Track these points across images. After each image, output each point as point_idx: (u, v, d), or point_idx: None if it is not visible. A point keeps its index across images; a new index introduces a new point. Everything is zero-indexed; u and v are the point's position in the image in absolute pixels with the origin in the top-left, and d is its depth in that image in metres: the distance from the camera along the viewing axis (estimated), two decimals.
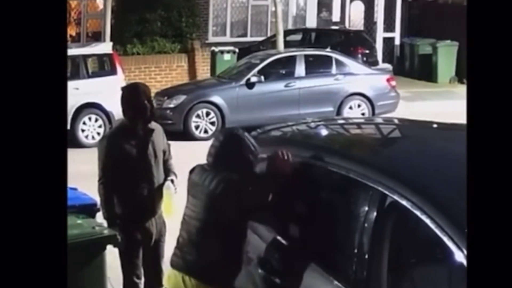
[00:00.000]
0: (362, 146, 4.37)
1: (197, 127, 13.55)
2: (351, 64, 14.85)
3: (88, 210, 5.30)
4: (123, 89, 5.29)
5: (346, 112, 14.01)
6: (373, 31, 21.79)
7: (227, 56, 17.73)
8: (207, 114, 13.61)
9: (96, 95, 12.88)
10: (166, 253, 5.21)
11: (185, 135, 13.26)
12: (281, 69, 14.67)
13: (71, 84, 10.83)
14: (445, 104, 15.52)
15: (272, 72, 14.32)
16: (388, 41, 21.90)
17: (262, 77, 13.98)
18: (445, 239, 2.91)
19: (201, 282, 4.00)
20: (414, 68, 20.44)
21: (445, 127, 4.66)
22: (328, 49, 16.49)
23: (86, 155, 9.15)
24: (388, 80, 14.92)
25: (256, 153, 4.11)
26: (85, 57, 13.52)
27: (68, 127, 11.96)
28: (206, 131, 13.54)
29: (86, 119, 12.95)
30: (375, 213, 3.39)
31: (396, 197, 3.26)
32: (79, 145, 12.48)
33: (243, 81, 13.93)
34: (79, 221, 4.89)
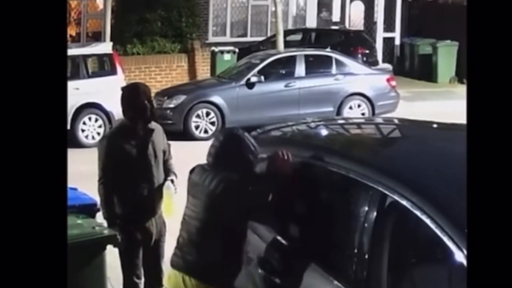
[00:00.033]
0: (362, 146, 4.37)
1: (197, 127, 13.55)
2: (351, 64, 14.85)
3: (88, 210, 5.30)
4: (123, 89, 5.29)
5: (346, 112, 14.01)
6: (373, 31, 21.80)
7: (227, 56, 17.73)
8: (207, 114, 13.61)
9: (96, 95, 12.88)
10: (166, 253, 5.21)
11: (185, 135, 13.26)
12: (281, 69, 14.67)
13: (71, 84, 10.83)
14: (445, 104, 15.52)
15: (272, 72, 14.32)
16: (388, 41, 21.90)
17: (262, 77, 13.98)
18: (445, 239, 2.91)
19: (201, 282, 4.00)
20: (414, 68, 20.44)
21: (445, 127, 4.66)
22: (328, 49, 16.49)
23: (86, 155, 9.16)
24: (388, 80, 14.92)
25: (256, 153, 4.11)
26: (85, 57, 13.52)
27: (68, 127, 11.96)
28: (206, 131, 13.54)
29: (86, 119, 12.95)
30: (375, 213, 3.39)
31: (396, 197, 3.26)
32: (79, 145, 12.49)
33: (243, 81, 13.93)
34: (79, 221, 4.89)
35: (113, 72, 13.42)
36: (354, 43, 18.77)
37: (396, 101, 14.75)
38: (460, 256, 2.82)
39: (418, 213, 3.09)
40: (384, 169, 3.56)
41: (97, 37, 18.27)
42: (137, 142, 5.05)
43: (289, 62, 14.57)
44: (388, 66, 19.78)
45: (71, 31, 18.27)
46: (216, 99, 13.70)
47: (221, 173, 4.00)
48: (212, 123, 13.58)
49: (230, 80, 14.34)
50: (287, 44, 17.31)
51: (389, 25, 21.96)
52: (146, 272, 5.21)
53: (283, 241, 4.14)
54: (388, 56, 21.61)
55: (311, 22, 20.97)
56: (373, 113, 14.12)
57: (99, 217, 5.21)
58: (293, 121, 5.66)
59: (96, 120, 13.01)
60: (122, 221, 5.01)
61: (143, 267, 5.18)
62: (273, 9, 18.38)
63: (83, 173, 6.55)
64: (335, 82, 14.29)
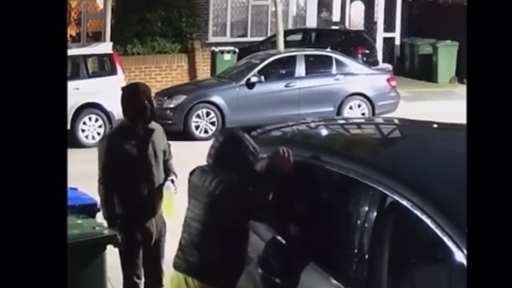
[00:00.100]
0: (362, 146, 4.37)
1: (197, 127, 13.55)
2: (351, 64, 14.85)
3: (88, 210, 5.30)
4: (123, 89, 5.28)
5: (346, 112, 14.00)
6: (373, 31, 21.79)
7: (227, 56, 17.73)
8: (207, 114, 13.61)
9: (96, 95, 12.88)
10: (166, 253, 5.21)
11: (185, 135, 13.26)
12: (281, 69, 14.67)
13: (71, 84, 10.84)
14: (445, 104, 15.52)
15: (272, 72, 14.32)
16: (388, 41, 21.89)
17: (262, 77, 13.98)
18: (445, 239, 2.91)
19: (204, 283, 4.01)
20: (414, 68, 20.43)
21: (445, 127, 4.66)
22: (328, 49, 16.48)
23: (86, 155, 9.15)
24: (388, 80, 14.92)
25: (256, 154, 4.11)
26: (85, 57, 13.52)
27: (68, 127, 11.96)
28: (206, 131, 13.54)
29: (86, 119, 12.95)
30: (375, 213, 3.39)
31: (396, 197, 3.26)
32: (79, 145, 12.48)
33: (243, 81, 13.93)
34: (79, 221, 4.89)
35: (113, 72, 13.41)
36: (354, 43, 18.76)
37: (396, 101, 14.75)
38: (460, 256, 2.82)
39: (418, 213, 3.09)
40: (384, 169, 3.56)
41: (97, 37, 18.27)
42: (137, 142, 5.05)
43: (289, 62, 14.56)
44: (388, 66, 19.76)
45: (71, 31, 18.27)
46: (216, 99, 13.70)
47: (221, 174, 4.00)
48: (212, 123, 13.58)
49: (230, 80, 14.34)
50: (287, 44, 17.30)
51: (389, 25, 21.96)
52: (146, 272, 5.20)
53: (283, 241, 4.14)
54: (388, 56, 21.60)
55: (311, 22, 20.97)
56: (373, 113, 14.12)
57: (99, 217, 5.21)
58: (293, 121, 5.66)
59: (96, 120, 13.01)
60: (122, 221, 5.01)
61: (143, 267, 5.18)
62: (273, 9, 18.38)
63: (83, 173, 6.55)
64: (335, 82, 14.29)
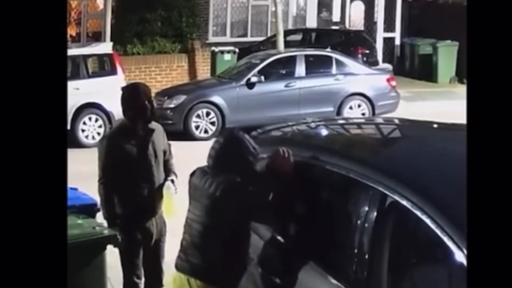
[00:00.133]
0: (362, 146, 4.37)
1: (197, 127, 13.55)
2: (351, 64, 14.85)
3: (89, 210, 5.30)
4: (123, 89, 5.28)
5: (346, 112, 14.00)
6: (373, 31, 21.79)
7: (227, 56, 17.73)
8: (207, 114, 13.61)
9: (96, 95, 12.88)
10: (166, 253, 5.21)
11: (185, 135, 13.26)
12: (281, 69, 14.67)
13: (71, 84, 10.84)
14: (445, 104, 15.52)
15: (272, 72, 14.32)
16: (388, 41, 21.89)
17: (262, 77, 13.98)
18: (445, 239, 2.91)
19: (206, 283, 4.01)
20: (414, 68, 20.43)
21: (445, 127, 4.66)
22: (328, 49, 16.48)
23: (86, 155, 9.15)
24: (388, 80, 14.92)
25: (256, 155, 4.11)
26: (85, 57, 13.52)
27: (68, 127, 11.96)
28: (206, 131, 13.54)
29: (86, 119, 12.95)
30: (375, 213, 3.39)
31: (396, 197, 3.26)
32: (79, 145, 12.48)
33: (243, 81, 13.93)
34: (79, 221, 4.89)
35: (113, 72, 13.41)
36: (354, 43, 18.76)
37: (396, 101, 14.75)
38: (460, 256, 2.82)
39: (418, 213, 3.09)
40: (384, 169, 3.56)
41: (97, 37, 18.27)
42: (137, 142, 5.05)
43: (289, 62, 14.56)
44: (388, 66, 19.76)
45: (71, 31, 18.26)
46: (216, 99, 13.70)
47: (221, 175, 4.00)
48: (212, 123, 13.58)
49: (230, 80, 14.34)
50: (287, 44, 17.30)
51: (389, 25, 21.96)
52: (146, 272, 5.20)
53: (283, 241, 4.14)
54: (388, 56, 21.60)
55: (311, 22, 20.97)
56: (373, 113, 14.11)
57: (99, 217, 5.21)
58: (293, 121, 5.66)
59: (96, 120, 13.01)
60: (122, 221, 5.01)
61: (143, 267, 5.18)
62: (273, 9, 18.38)
63: (83, 173, 6.55)
64: (335, 82, 14.29)
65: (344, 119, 8.82)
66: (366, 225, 3.44)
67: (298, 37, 19.68)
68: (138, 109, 5.02)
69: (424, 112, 11.85)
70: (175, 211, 4.99)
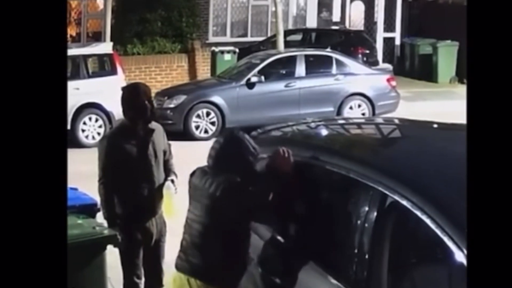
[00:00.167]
0: (362, 146, 4.37)
1: (197, 127, 13.55)
2: (351, 64, 14.85)
3: (89, 210, 5.30)
4: (123, 89, 5.28)
5: (347, 112, 14.00)
6: (373, 31, 21.79)
7: (227, 56, 17.73)
8: (208, 114, 13.61)
9: (96, 95, 12.88)
10: (166, 253, 5.21)
11: (186, 135, 13.26)
12: (282, 69, 14.67)
13: (71, 84, 10.84)
14: (445, 104, 15.52)
15: (272, 72, 14.32)
16: (388, 41, 21.89)
17: (263, 77, 13.98)
18: (445, 239, 2.91)
19: (206, 283, 4.01)
20: (415, 68, 20.44)
21: (445, 127, 4.66)
22: (329, 49, 16.48)
23: (86, 155, 9.15)
24: (388, 80, 14.92)
25: (256, 155, 4.11)
26: (85, 57, 13.52)
27: (68, 127, 11.96)
28: (206, 131, 13.54)
29: (86, 119, 12.94)
30: (375, 213, 3.39)
31: (396, 197, 3.26)
32: (79, 145, 12.49)
33: (244, 81, 13.93)
34: (79, 221, 4.89)
35: (113, 72, 13.42)
36: (355, 43, 18.76)
37: (396, 101, 14.75)
38: (460, 256, 2.82)
39: (418, 213, 3.09)
40: (385, 169, 3.56)
41: (97, 37, 18.27)
42: (137, 142, 5.05)
43: (290, 62, 14.56)
44: (389, 66, 19.75)
45: (71, 31, 18.27)
46: (217, 99, 13.70)
47: (221, 175, 4.00)
48: (212, 123, 13.58)
49: (230, 80, 14.34)
50: (287, 44, 17.30)
51: (389, 25, 21.96)
52: (147, 272, 5.20)
53: (283, 241, 4.14)
54: (389, 56, 21.60)
55: (311, 22, 20.97)
56: (374, 113, 14.12)
57: (100, 217, 5.21)
58: (294, 121, 5.66)
59: (97, 120, 13.01)
60: (122, 221, 5.01)
61: (143, 267, 5.18)
62: (273, 9, 18.38)
63: (83, 173, 6.55)
64: (336, 82, 14.29)
65: (344, 119, 8.82)
66: (366, 225, 3.44)
67: (298, 37, 19.68)
68: (138, 109, 5.02)
69: (424, 112, 11.85)
70: (175, 211, 4.99)
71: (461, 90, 16.63)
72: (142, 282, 5.20)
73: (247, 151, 4.08)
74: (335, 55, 14.95)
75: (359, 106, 14.33)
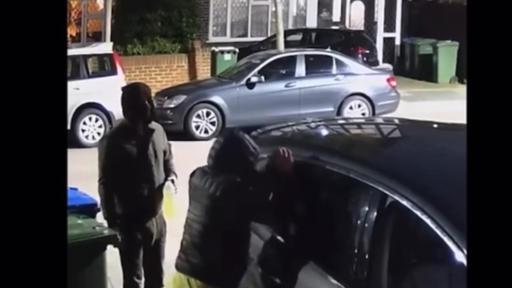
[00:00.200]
0: (362, 146, 4.37)
1: (197, 127, 13.55)
2: (351, 64, 14.85)
3: (89, 210, 5.30)
4: (123, 89, 5.28)
5: (347, 112, 14.00)
6: (373, 31, 21.79)
7: (227, 56, 17.73)
8: (208, 114, 13.61)
9: (96, 95, 12.88)
10: (166, 253, 5.21)
11: (186, 135, 13.26)
12: (282, 69, 14.67)
13: (71, 84, 10.84)
14: (445, 104, 15.52)
15: (272, 72, 14.32)
16: (388, 41, 21.89)
17: (263, 77, 13.98)
18: (446, 239, 2.91)
19: (206, 283, 4.01)
20: (415, 68, 20.44)
21: (445, 127, 4.66)
22: (329, 49, 16.48)
23: (86, 155, 9.16)
24: (388, 80, 14.92)
25: (256, 155, 4.11)
26: (85, 57, 13.52)
27: (68, 127, 11.96)
28: (206, 131, 13.54)
29: (86, 119, 12.95)
30: (375, 213, 3.39)
31: (396, 197, 3.26)
32: (79, 145, 12.49)
33: (244, 81, 13.93)
34: (79, 221, 4.89)
35: (113, 72, 13.42)
36: (355, 43, 18.76)
37: (396, 101, 14.75)
38: (460, 256, 2.82)
39: (418, 213, 3.09)
40: (385, 169, 3.56)
41: (97, 37, 18.27)
42: (137, 142, 5.05)
43: (290, 62, 14.56)
44: (389, 66, 19.75)
45: (71, 31, 18.27)
46: (217, 99, 13.70)
47: (221, 175, 4.00)
48: (213, 123, 13.58)
49: (230, 80, 14.34)
50: (288, 44, 17.30)
51: (389, 25, 21.96)
52: (147, 272, 5.20)
53: (283, 241, 4.14)
54: (389, 56, 21.60)
55: (312, 22, 20.97)
56: (374, 113, 14.12)
57: (100, 217, 5.21)
58: (294, 121, 5.66)
59: (97, 120, 13.01)
60: (122, 221, 5.01)
61: (143, 267, 5.18)
62: (274, 9, 18.38)
63: (83, 173, 6.55)
64: (336, 82, 14.29)
65: (344, 119, 8.82)
66: (366, 225, 3.44)
67: (298, 37, 19.68)
68: (138, 109, 5.02)
69: (424, 112, 11.86)
70: (175, 211, 4.99)
71: (461, 90, 16.63)
72: (142, 282, 5.20)
73: (247, 151, 4.07)
74: (335, 55, 14.96)
75: (359, 106, 14.33)
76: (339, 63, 14.60)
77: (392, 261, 3.31)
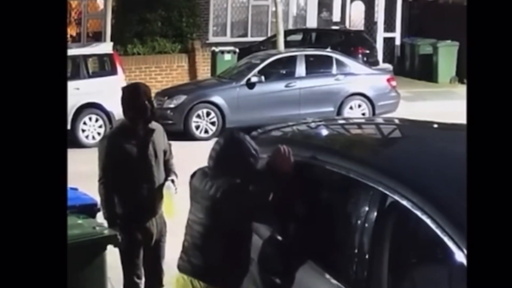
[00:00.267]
0: (362, 146, 4.37)
1: (197, 127, 13.55)
2: (351, 64, 14.85)
3: (89, 210, 5.30)
4: (123, 89, 5.28)
5: (347, 112, 14.00)
6: (373, 31, 21.80)
7: (227, 56, 17.73)
8: (208, 114, 13.61)
9: (96, 95, 12.88)
10: (166, 253, 5.22)
11: (186, 135, 13.26)
12: (282, 69, 14.67)
13: (71, 84, 10.85)
14: (445, 104, 15.52)
15: (272, 72, 14.32)
16: (388, 41, 21.90)
17: (263, 77, 13.98)
18: (446, 239, 2.91)
19: (208, 284, 4.01)
20: (415, 68, 20.44)
21: (445, 127, 4.66)
22: (329, 49, 16.48)
23: (86, 155, 9.16)
24: (388, 80, 14.92)
25: (256, 156, 4.10)
26: (85, 57, 13.52)
27: (69, 127, 11.97)
28: (206, 131, 13.54)
29: (86, 119, 12.95)
30: (375, 213, 3.39)
31: (396, 197, 3.26)
32: (79, 145, 12.49)
33: (244, 81, 13.93)
34: (79, 221, 4.89)
35: (113, 72, 13.42)
36: (355, 43, 18.76)
37: (396, 101, 14.75)
38: (460, 256, 2.82)
39: (418, 213, 3.09)
40: (385, 169, 3.56)
41: (97, 37, 18.27)
42: (137, 142, 5.05)
43: (290, 62, 14.56)
44: (389, 66, 19.76)
45: (72, 31, 18.27)
46: (217, 99, 13.70)
47: (221, 176, 3.99)
48: (213, 123, 13.58)
49: (230, 80, 14.34)
50: (288, 44, 17.31)
51: (389, 25, 21.96)
52: (147, 272, 5.20)
53: (284, 241, 4.14)
54: (389, 56, 21.61)
55: (312, 22, 20.97)
56: (374, 113, 14.11)
57: (100, 217, 5.21)
58: (294, 121, 5.66)
59: (97, 120, 13.01)
60: (122, 221, 5.01)
61: (143, 267, 5.18)
62: (274, 9, 18.38)
63: (83, 173, 6.56)
64: (336, 82, 14.29)
65: (344, 119, 8.82)
66: (366, 225, 3.44)
67: (298, 37, 19.68)
68: (138, 109, 5.02)
69: (424, 112, 11.86)
70: (175, 211, 4.99)
71: (461, 90, 16.63)
72: (142, 282, 5.20)
73: (248, 153, 4.07)
74: (335, 55, 14.95)
75: (359, 106, 14.33)
76: (339, 63, 14.60)
77: (392, 261, 3.31)
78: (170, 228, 5.25)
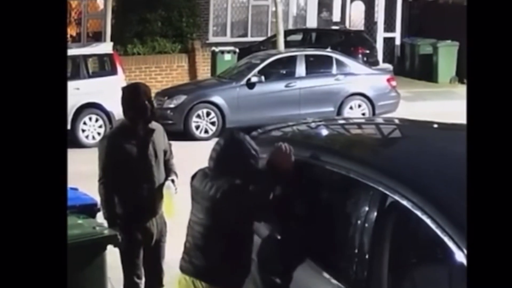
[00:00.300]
0: (362, 146, 4.37)
1: (197, 127, 13.55)
2: (351, 64, 14.85)
3: (89, 210, 5.30)
4: (123, 89, 5.28)
5: (347, 112, 14.00)
6: (373, 31, 21.80)
7: (227, 56, 17.73)
8: (208, 114, 13.61)
9: (96, 95, 12.89)
10: (166, 253, 5.21)
11: (186, 135, 13.26)
12: (282, 69, 14.67)
13: (71, 84, 10.85)
14: (445, 104, 15.52)
15: (272, 72, 14.32)
16: (388, 41, 21.90)
17: (263, 77, 13.98)
18: (446, 239, 2.91)
19: (210, 285, 4.01)
20: (415, 68, 20.44)
21: (445, 127, 4.66)
22: (329, 49, 16.48)
23: (86, 155, 9.16)
24: (388, 80, 14.92)
25: (257, 157, 4.10)
26: (85, 57, 13.53)
27: (69, 127, 11.97)
28: (206, 131, 13.54)
29: (86, 119, 12.95)
30: (375, 213, 3.39)
31: (396, 197, 3.26)
32: (79, 145, 12.49)
33: (244, 81, 13.93)
34: (79, 221, 4.89)
35: (113, 72, 13.42)
36: (355, 43, 18.77)
37: (396, 101, 14.75)
38: (460, 256, 2.82)
39: (418, 213, 3.09)
40: (385, 169, 3.56)
41: (97, 37, 18.28)
42: (137, 142, 5.05)
43: (290, 62, 14.56)
44: (389, 66, 19.76)
45: (72, 31, 18.27)
46: (217, 99, 13.70)
47: (221, 177, 3.99)
48: (213, 123, 13.58)
49: (230, 80, 14.34)
50: (288, 44, 17.31)
51: (389, 25, 21.96)
52: (147, 272, 5.20)
53: (284, 241, 4.14)
54: (389, 56, 21.61)
55: (312, 22, 20.97)
56: (374, 113, 14.11)
57: (100, 217, 5.21)
58: (294, 121, 5.66)
59: (97, 120, 13.01)
60: (122, 221, 5.00)
61: (143, 267, 5.18)
62: (274, 9, 18.38)
63: (83, 173, 6.55)
64: (336, 82, 14.29)
65: (344, 119, 8.82)
66: (366, 225, 3.44)
67: (298, 37, 19.68)
68: (138, 109, 5.02)
69: (424, 112, 11.86)
70: (176, 211, 4.99)
71: (461, 90, 16.63)
72: (142, 282, 5.20)
73: (248, 153, 4.06)
74: (335, 55, 14.95)
75: (359, 106, 14.33)
76: (339, 63, 14.60)
77: (392, 261, 3.31)
78: (170, 228, 5.25)
